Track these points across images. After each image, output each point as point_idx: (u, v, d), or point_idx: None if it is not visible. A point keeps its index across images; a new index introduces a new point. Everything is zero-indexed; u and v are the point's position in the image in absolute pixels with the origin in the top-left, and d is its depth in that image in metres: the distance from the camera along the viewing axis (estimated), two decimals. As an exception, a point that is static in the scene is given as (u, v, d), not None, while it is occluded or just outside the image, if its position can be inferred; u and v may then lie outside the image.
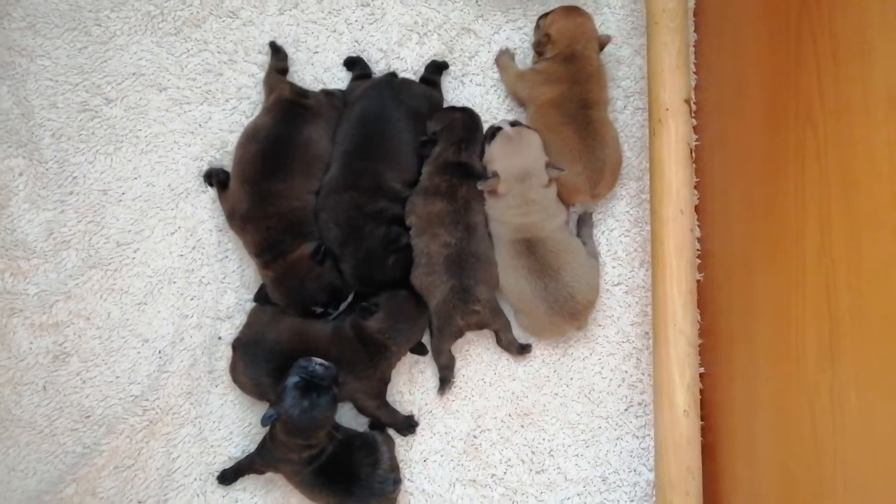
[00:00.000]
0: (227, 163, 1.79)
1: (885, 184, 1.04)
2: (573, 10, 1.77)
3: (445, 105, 1.82)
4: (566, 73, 1.73)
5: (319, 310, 1.66)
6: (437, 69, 1.84)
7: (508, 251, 1.66)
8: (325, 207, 1.66)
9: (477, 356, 1.75)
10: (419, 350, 1.70)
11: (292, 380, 1.51)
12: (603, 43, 1.79)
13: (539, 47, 1.79)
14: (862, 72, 1.11)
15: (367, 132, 1.70)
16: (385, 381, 1.67)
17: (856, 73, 1.12)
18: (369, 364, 1.61)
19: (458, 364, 1.73)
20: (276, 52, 1.84)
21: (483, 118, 1.83)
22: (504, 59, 1.86)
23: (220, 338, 1.74)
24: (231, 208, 1.69)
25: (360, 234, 1.64)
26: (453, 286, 1.62)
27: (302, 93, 1.73)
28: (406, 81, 1.79)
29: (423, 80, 1.83)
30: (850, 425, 1.09)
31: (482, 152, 1.73)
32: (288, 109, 1.70)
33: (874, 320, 1.05)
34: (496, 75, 1.87)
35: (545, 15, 1.80)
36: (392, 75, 1.80)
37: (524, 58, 1.88)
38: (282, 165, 1.65)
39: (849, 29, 1.15)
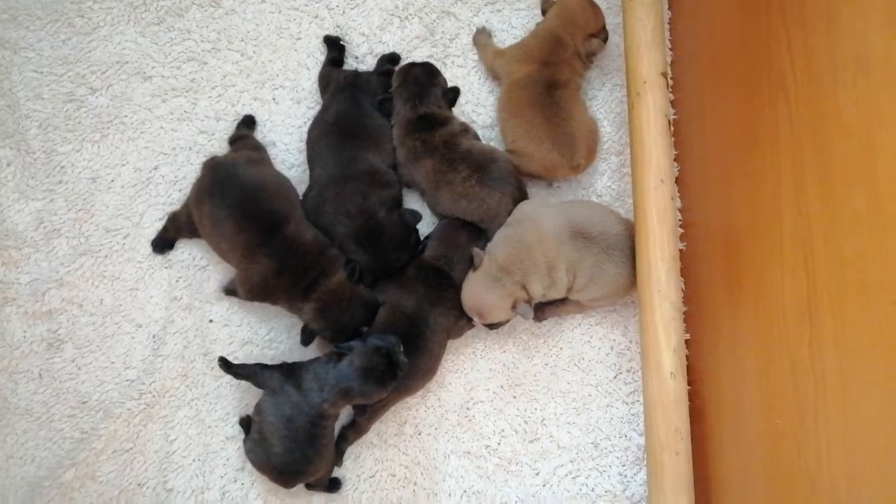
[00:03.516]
0: (214, 149, 1.82)
1: (855, 142, 1.08)
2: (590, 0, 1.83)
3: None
4: (542, 54, 1.78)
5: (365, 329, 1.64)
6: (389, 61, 1.87)
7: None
8: (328, 199, 1.67)
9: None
10: None
11: (375, 343, 1.52)
12: (591, 48, 1.82)
13: (545, 5, 1.88)
14: (829, 37, 1.15)
15: (347, 125, 1.73)
16: (459, 314, 1.69)
17: (824, 38, 1.16)
18: (440, 294, 1.65)
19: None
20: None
21: (465, 98, 1.87)
22: (482, 37, 1.90)
23: (210, 321, 1.76)
24: (253, 281, 1.64)
25: (376, 220, 1.65)
26: (505, 194, 1.69)
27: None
28: (367, 75, 1.82)
29: (377, 72, 1.85)
30: (829, 377, 1.13)
31: (450, 97, 1.83)
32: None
33: (850, 275, 1.09)
34: (477, 56, 1.90)
35: None
36: (355, 74, 1.82)
37: (505, 39, 1.91)
38: (277, 212, 1.62)
39: (817, -3, 1.19)
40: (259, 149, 1.78)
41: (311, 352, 1.69)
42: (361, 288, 1.65)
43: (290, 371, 1.56)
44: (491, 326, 1.70)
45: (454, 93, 1.84)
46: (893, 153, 0.99)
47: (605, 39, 1.85)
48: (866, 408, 1.03)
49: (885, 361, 0.99)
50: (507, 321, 1.69)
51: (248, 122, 1.84)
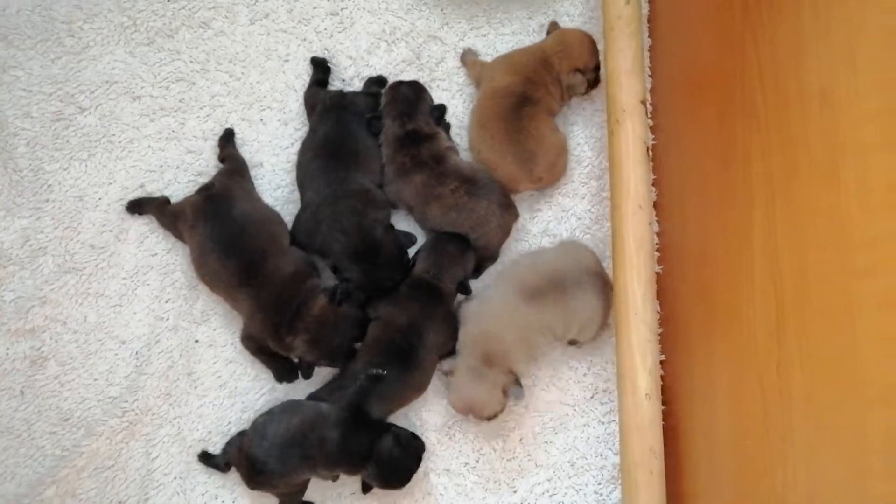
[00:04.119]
0: (201, 168, 1.85)
1: (821, 171, 1.12)
2: (588, 36, 1.88)
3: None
4: (525, 68, 1.81)
5: (359, 344, 1.67)
6: (376, 83, 1.90)
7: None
8: (323, 219, 1.69)
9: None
10: (463, 289, 1.75)
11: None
12: (573, 82, 1.85)
13: (551, 28, 1.93)
14: (798, 71, 1.19)
15: (335, 146, 1.76)
16: (454, 327, 1.71)
17: (792, 72, 1.21)
18: (431, 311, 1.68)
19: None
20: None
21: (448, 120, 1.91)
22: (469, 55, 1.95)
23: (196, 341, 1.78)
24: (248, 330, 1.69)
25: (373, 238, 1.68)
26: (492, 202, 1.73)
27: None
28: (352, 96, 1.85)
29: (363, 93, 1.88)
30: (796, 398, 1.16)
31: (437, 114, 1.86)
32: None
33: (814, 299, 1.13)
34: (462, 80, 1.95)
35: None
36: (340, 95, 1.85)
37: (488, 64, 1.95)
38: (258, 251, 1.65)
39: (786, 32, 1.24)
40: (244, 168, 1.81)
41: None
42: (345, 306, 1.66)
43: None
44: (488, 418, 1.68)
45: (440, 110, 1.88)
46: (855, 182, 1.03)
47: (593, 82, 1.87)
48: (827, 428, 1.07)
49: (844, 383, 1.03)
50: (503, 410, 1.67)
51: (229, 136, 1.86)
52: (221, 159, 1.83)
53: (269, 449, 1.54)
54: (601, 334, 1.77)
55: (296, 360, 1.70)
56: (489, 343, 1.63)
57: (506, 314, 1.65)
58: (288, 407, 1.60)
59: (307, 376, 1.71)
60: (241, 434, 1.63)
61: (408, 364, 1.63)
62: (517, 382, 1.65)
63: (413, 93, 1.82)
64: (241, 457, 1.58)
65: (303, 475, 1.59)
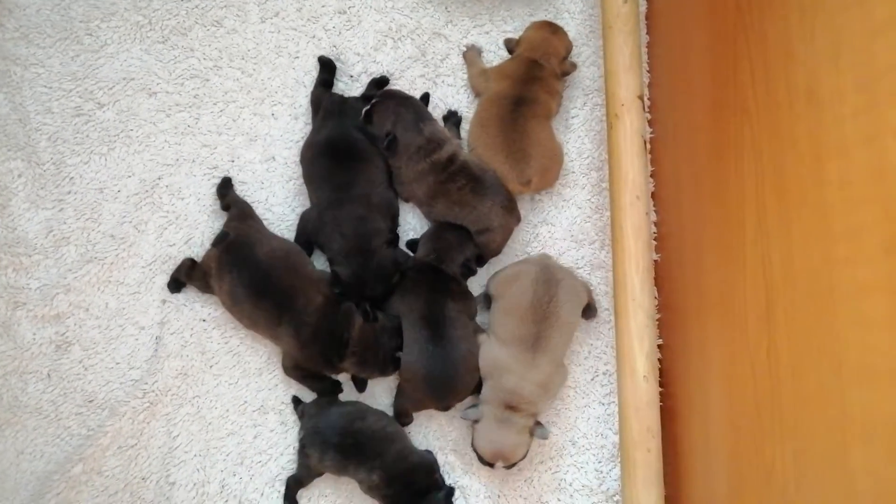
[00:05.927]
0: (216, 162, 1.92)
1: (807, 167, 1.19)
2: (547, 25, 1.94)
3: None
4: (518, 73, 1.87)
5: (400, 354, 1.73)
6: (376, 85, 1.96)
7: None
8: (328, 222, 1.76)
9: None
10: (468, 271, 1.81)
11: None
12: (566, 69, 1.93)
13: (509, 45, 1.98)
14: (787, 71, 1.26)
15: (339, 151, 1.82)
16: (470, 299, 1.80)
17: (782, 72, 1.28)
18: (443, 286, 1.74)
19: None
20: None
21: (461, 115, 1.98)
22: (471, 54, 2.00)
23: (203, 320, 1.85)
24: (293, 359, 1.75)
25: (369, 246, 1.74)
26: (495, 203, 1.79)
27: None
28: (353, 101, 1.90)
29: (364, 96, 1.93)
30: (783, 377, 1.24)
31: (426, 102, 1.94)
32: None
33: (800, 287, 1.20)
34: (466, 76, 2.01)
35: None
36: (342, 101, 1.89)
37: (492, 59, 2.02)
38: (288, 289, 1.70)
39: (776, 34, 1.30)
40: (250, 209, 1.85)
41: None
42: (381, 319, 1.73)
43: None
44: (509, 466, 1.71)
45: (425, 99, 1.95)
46: (837, 177, 1.10)
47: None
48: (812, 405, 1.15)
49: (827, 363, 1.10)
50: (527, 453, 1.71)
51: (227, 184, 1.89)
52: (225, 207, 1.86)
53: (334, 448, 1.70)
54: (591, 294, 1.83)
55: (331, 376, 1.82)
56: (511, 396, 1.67)
57: (521, 369, 1.67)
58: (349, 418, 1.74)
59: (361, 390, 1.80)
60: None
61: (441, 343, 1.68)
62: (539, 423, 1.70)
63: (404, 98, 1.87)
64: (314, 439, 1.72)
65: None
